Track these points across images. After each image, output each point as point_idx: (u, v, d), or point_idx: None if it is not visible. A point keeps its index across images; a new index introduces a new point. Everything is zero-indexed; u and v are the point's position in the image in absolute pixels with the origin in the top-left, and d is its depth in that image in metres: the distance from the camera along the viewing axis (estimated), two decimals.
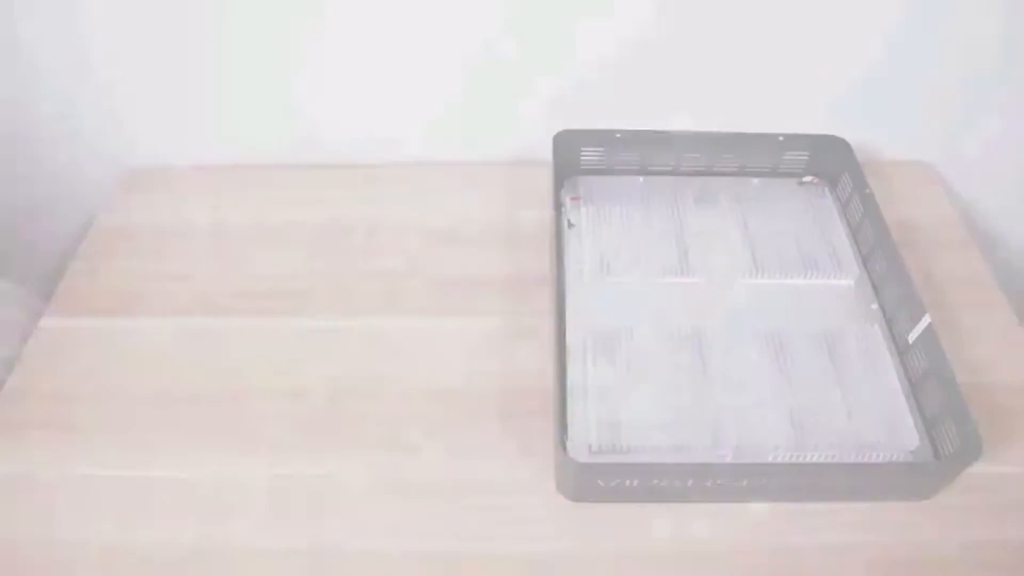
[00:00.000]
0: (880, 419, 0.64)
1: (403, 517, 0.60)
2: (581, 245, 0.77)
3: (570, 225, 0.79)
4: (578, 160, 0.84)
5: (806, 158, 0.83)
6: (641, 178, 0.84)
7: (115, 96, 0.84)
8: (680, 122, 0.82)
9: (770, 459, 0.61)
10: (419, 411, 0.66)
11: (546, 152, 0.81)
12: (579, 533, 0.59)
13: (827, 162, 0.83)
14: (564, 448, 0.59)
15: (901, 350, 0.68)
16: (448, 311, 0.74)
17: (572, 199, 0.77)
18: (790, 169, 0.84)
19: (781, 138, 0.81)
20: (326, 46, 0.79)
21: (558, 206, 0.81)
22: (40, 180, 0.93)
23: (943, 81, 0.83)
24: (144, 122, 0.87)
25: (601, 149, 0.83)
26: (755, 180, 0.84)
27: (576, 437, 0.63)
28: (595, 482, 0.59)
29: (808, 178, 0.83)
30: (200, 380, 0.68)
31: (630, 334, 0.70)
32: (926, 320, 0.65)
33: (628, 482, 0.58)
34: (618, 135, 0.81)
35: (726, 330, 0.70)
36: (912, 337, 0.66)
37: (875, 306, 0.73)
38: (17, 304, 0.74)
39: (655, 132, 0.81)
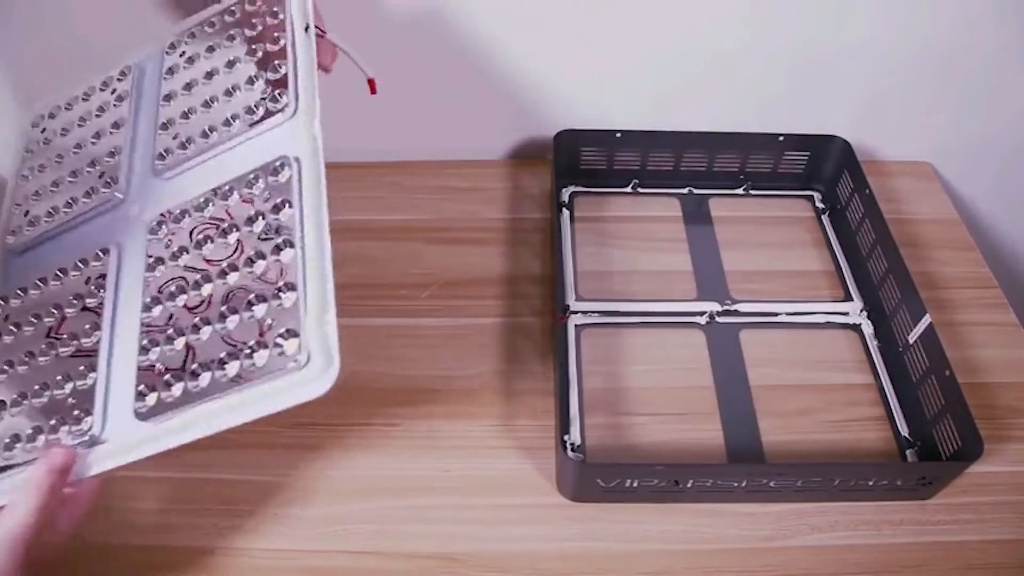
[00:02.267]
0: None
1: (402, 517, 0.60)
2: None
3: None
4: (578, 160, 0.84)
5: (806, 158, 0.83)
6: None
7: None
8: (680, 122, 0.82)
9: None
10: (419, 411, 0.66)
11: (546, 152, 0.81)
12: (579, 533, 0.59)
13: (827, 162, 0.83)
14: (564, 448, 0.59)
15: (901, 350, 0.68)
16: (447, 311, 0.74)
17: None
18: (790, 169, 0.84)
19: (781, 138, 0.81)
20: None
21: (558, 206, 0.82)
22: None
23: (943, 81, 0.83)
24: None
25: (601, 149, 0.83)
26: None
27: (576, 436, 0.63)
28: (595, 482, 0.59)
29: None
30: None
31: None
32: (926, 320, 0.65)
33: (628, 482, 0.58)
34: (618, 135, 0.81)
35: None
36: (912, 337, 0.66)
37: None
38: None
39: (655, 132, 0.81)
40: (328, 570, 0.57)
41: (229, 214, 0.50)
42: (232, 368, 0.44)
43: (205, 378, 0.45)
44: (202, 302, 0.48)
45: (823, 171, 0.84)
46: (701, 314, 0.73)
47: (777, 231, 0.82)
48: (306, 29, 0.55)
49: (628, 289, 0.76)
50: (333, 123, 0.88)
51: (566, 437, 0.63)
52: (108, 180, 0.56)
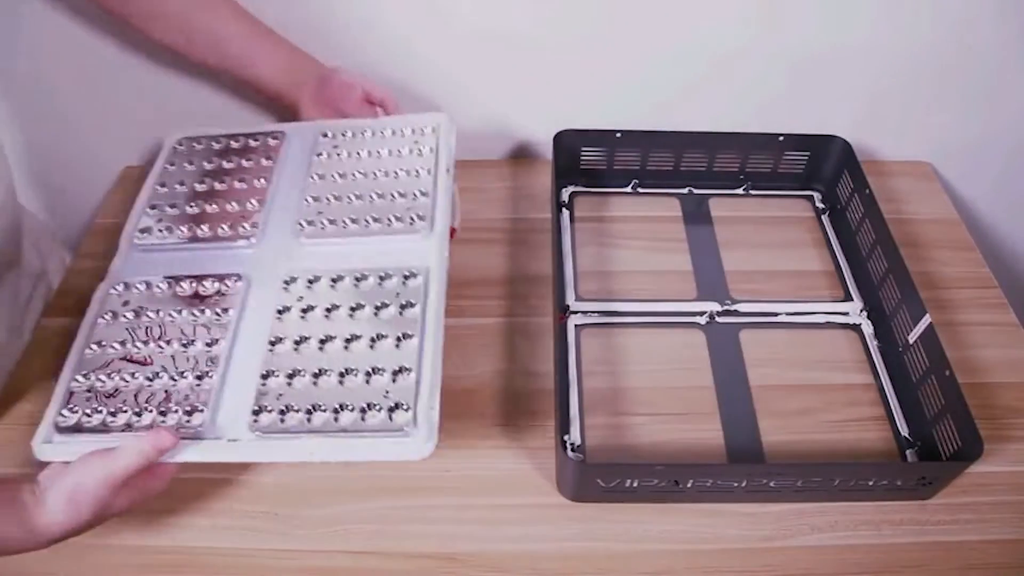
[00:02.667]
0: None
1: (402, 517, 0.60)
2: None
3: None
4: (578, 160, 0.84)
5: (806, 158, 0.83)
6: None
7: (117, 96, 0.84)
8: (680, 122, 0.82)
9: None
10: None
11: (546, 152, 0.81)
12: (579, 533, 0.59)
13: (827, 162, 0.83)
14: (564, 448, 0.59)
15: (901, 350, 0.68)
16: (447, 311, 0.74)
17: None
18: (790, 169, 0.84)
19: (781, 138, 0.81)
20: (328, 46, 0.79)
21: (558, 206, 0.82)
22: (38, 180, 0.93)
23: (943, 81, 0.83)
24: (143, 122, 0.87)
25: (601, 149, 0.83)
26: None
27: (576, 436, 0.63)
28: (595, 482, 0.59)
29: None
30: None
31: None
32: (926, 320, 0.65)
33: (628, 482, 0.58)
34: (618, 135, 0.81)
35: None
36: (912, 337, 0.66)
37: None
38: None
39: (655, 132, 0.81)
40: (328, 570, 0.57)
41: (360, 294, 0.61)
42: (345, 419, 0.53)
43: (319, 418, 0.54)
44: (325, 357, 0.57)
45: (823, 171, 0.84)
46: (701, 314, 0.73)
47: (777, 231, 0.82)
48: (448, 171, 0.69)
49: (628, 289, 0.76)
50: None
51: (566, 437, 0.63)
52: (248, 224, 0.66)
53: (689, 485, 0.59)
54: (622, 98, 0.85)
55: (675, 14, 0.77)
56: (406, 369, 0.56)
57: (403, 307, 0.59)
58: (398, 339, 0.58)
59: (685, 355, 0.71)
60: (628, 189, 0.86)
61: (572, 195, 0.85)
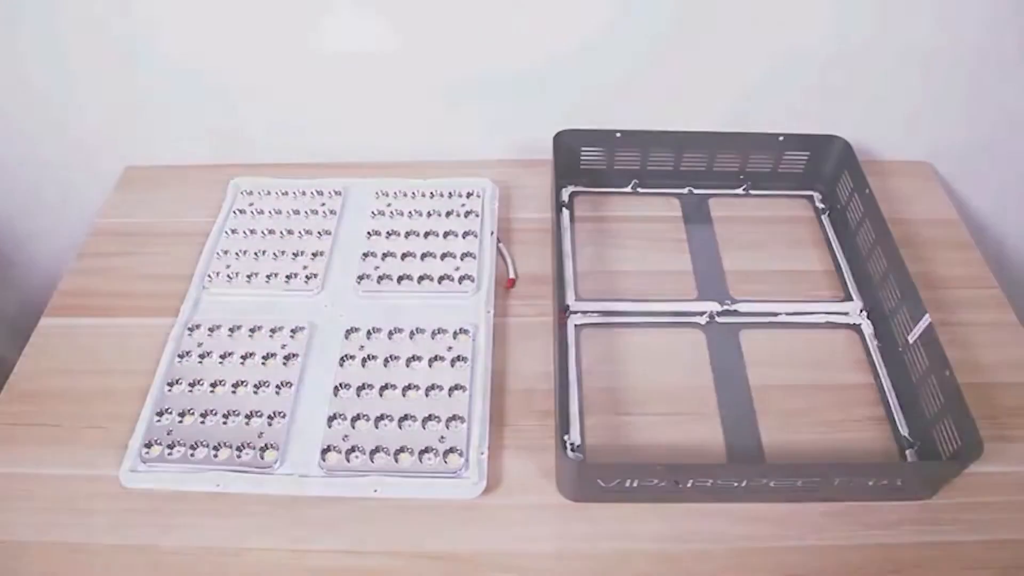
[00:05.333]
0: None
1: (403, 517, 0.60)
2: None
3: None
4: (578, 160, 0.84)
5: (806, 158, 0.83)
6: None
7: (115, 96, 0.84)
8: (680, 122, 0.82)
9: None
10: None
11: (546, 152, 0.81)
12: (579, 533, 0.59)
13: (827, 162, 0.83)
14: (564, 448, 0.59)
15: (901, 350, 0.68)
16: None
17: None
18: (790, 169, 0.84)
19: (781, 138, 0.82)
20: (327, 46, 0.79)
21: (558, 206, 0.82)
22: (40, 180, 0.93)
23: (944, 81, 0.83)
24: (146, 122, 0.87)
25: (601, 149, 0.83)
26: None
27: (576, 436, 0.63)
28: (595, 482, 0.59)
29: None
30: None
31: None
32: (926, 320, 0.65)
33: (628, 482, 0.58)
34: (618, 135, 0.81)
35: None
36: (912, 337, 0.66)
37: None
38: None
39: (655, 132, 0.81)
40: (328, 570, 0.57)
41: (415, 347, 0.67)
42: (405, 461, 0.60)
43: (381, 459, 0.61)
44: (385, 403, 0.64)
45: (823, 171, 0.84)
46: (701, 314, 0.73)
47: (777, 231, 0.82)
48: (492, 233, 0.77)
49: (628, 289, 0.76)
50: (334, 123, 0.88)
51: (566, 437, 0.63)
52: (310, 275, 0.73)
53: (689, 485, 0.59)
54: (622, 98, 0.85)
55: (675, 14, 0.77)
56: (459, 418, 0.62)
57: (455, 360, 0.66)
58: (451, 389, 0.64)
59: (685, 355, 0.71)
60: (628, 189, 0.86)
61: (572, 195, 0.85)
